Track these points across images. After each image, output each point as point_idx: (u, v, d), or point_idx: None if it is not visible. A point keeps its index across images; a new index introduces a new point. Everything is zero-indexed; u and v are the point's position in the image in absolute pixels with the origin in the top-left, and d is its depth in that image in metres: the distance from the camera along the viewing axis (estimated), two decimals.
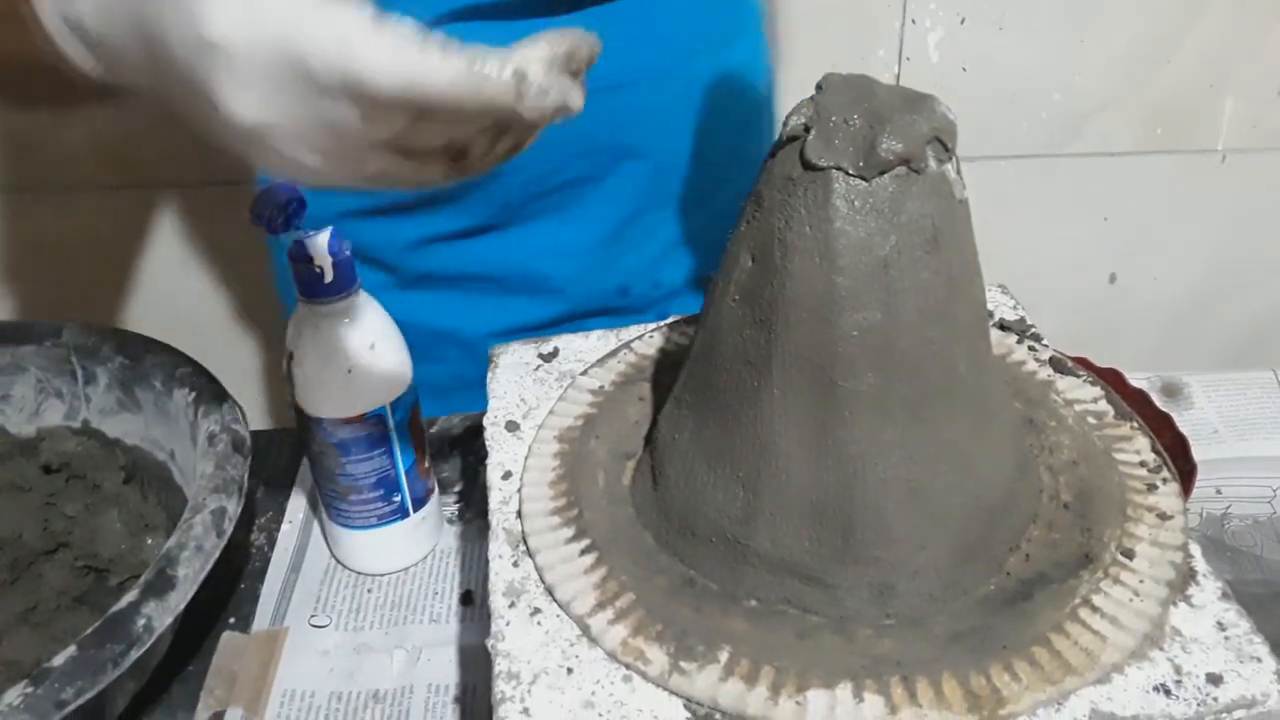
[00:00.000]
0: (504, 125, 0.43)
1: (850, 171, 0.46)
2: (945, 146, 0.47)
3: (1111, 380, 0.81)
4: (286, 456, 0.84)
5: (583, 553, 0.53)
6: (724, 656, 0.47)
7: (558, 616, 0.50)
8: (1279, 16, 1.37)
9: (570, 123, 0.80)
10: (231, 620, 0.71)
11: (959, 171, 0.48)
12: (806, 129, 0.47)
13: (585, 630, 0.49)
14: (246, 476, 0.65)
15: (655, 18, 0.77)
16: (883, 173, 0.46)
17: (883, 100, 0.47)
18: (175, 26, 0.39)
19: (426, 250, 0.85)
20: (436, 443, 0.82)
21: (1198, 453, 0.76)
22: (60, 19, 0.43)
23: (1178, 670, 0.46)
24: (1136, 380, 0.84)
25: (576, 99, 0.40)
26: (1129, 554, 0.51)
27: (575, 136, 0.77)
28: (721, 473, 0.52)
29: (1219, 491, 0.80)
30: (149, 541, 0.73)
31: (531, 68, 0.38)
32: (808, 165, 0.47)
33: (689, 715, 0.46)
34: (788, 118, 0.48)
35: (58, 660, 0.53)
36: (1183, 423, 0.78)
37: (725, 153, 0.86)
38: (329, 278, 0.62)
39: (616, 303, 0.89)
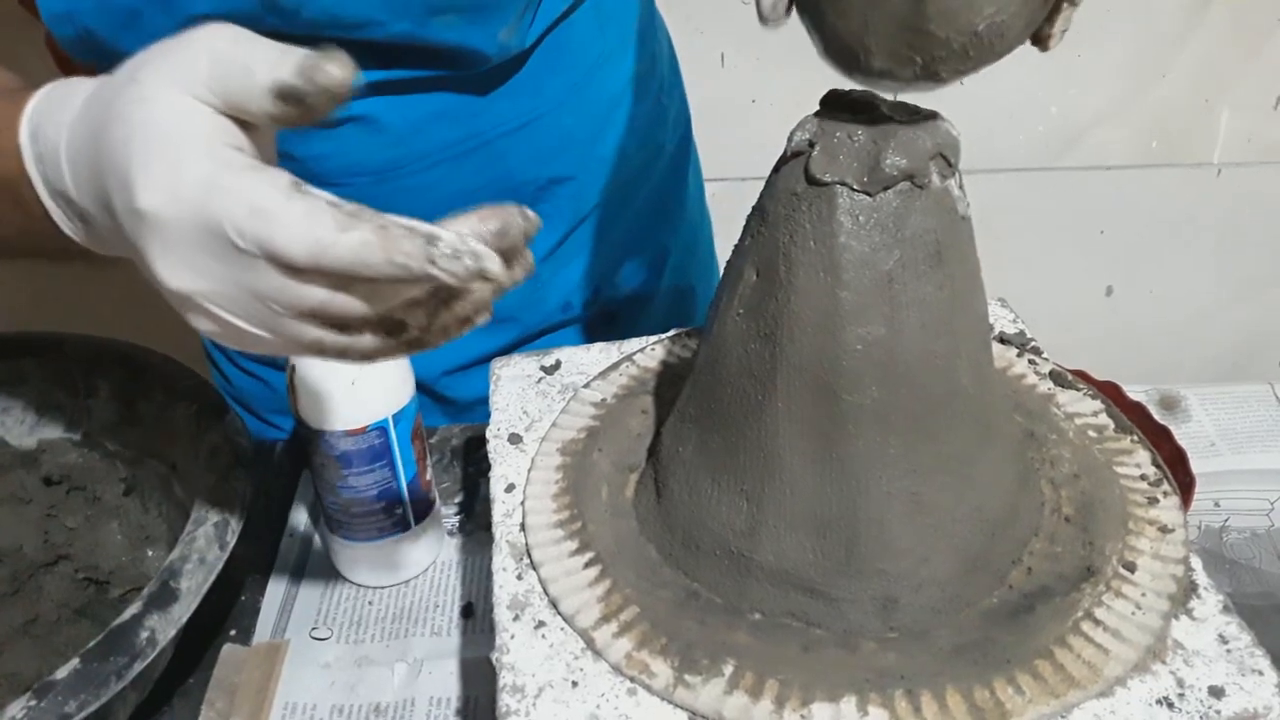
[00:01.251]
0: (442, 297, 0.43)
1: (854, 187, 0.47)
2: (949, 162, 0.47)
3: (1110, 393, 0.81)
4: (288, 468, 0.84)
5: (587, 565, 0.53)
6: (728, 670, 0.47)
7: (562, 630, 0.50)
8: (1273, 31, 1.38)
9: (495, 161, 0.80)
10: (232, 632, 0.71)
11: (962, 187, 0.49)
12: (811, 144, 0.48)
13: (590, 643, 0.49)
14: (249, 489, 0.65)
15: (560, 45, 0.78)
16: (887, 188, 0.47)
17: (887, 116, 0.48)
18: (116, 196, 0.41)
19: None
20: (436, 454, 0.82)
21: (1196, 466, 0.76)
22: (49, 195, 0.45)
23: (1180, 683, 0.46)
24: (1134, 393, 0.84)
25: (492, 264, 0.39)
26: (1131, 567, 0.52)
27: (502, 175, 0.79)
28: (725, 486, 0.52)
29: (1217, 504, 0.80)
30: (150, 554, 0.73)
31: (444, 234, 0.38)
32: (812, 180, 0.47)
33: None
34: (792, 133, 0.49)
35: (61, 673, 0.53)
36: (1180, 436, 0.79)
37: (636, 153, 0.88)
38: None
39: (561, 318, 0.89)
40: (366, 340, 0.43)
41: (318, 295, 0.40)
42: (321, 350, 0.43)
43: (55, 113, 0.44)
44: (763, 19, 0.46)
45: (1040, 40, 0.45)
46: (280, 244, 0.38)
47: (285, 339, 0.42)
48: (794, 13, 0.46)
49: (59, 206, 0.45)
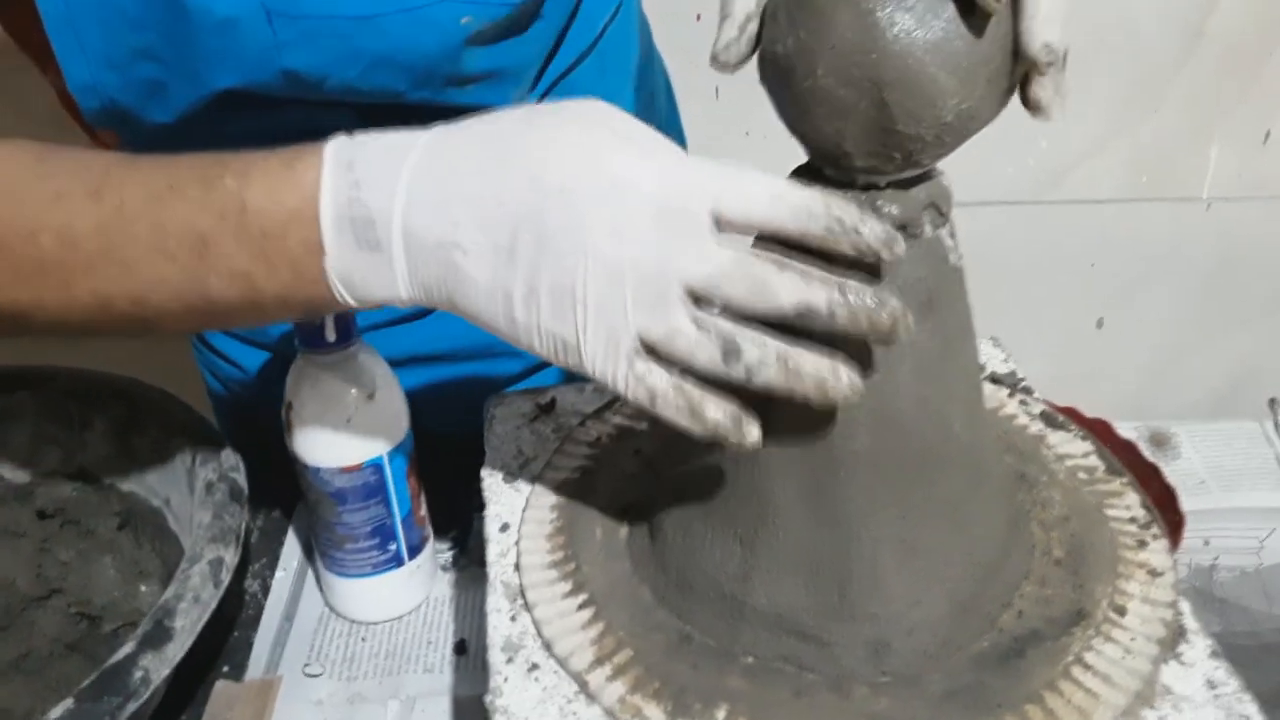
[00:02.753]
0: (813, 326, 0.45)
1: None
2: (940, 212, 0.48)
3: (1100, 430, 0.81)
4: (282, 503, 0.84)
5: (580, 607, 0.53)
6: (721, 714, 0.48)
7: (555, 672, 0.50)
8: (1262, 67, 1.40)
9: None
10: (225, 669, 0.71)
11: (953, 235, 0.49)
12: None
13: (583, 686, 0.49)
14: (244, 526, 0.65)
15: (565, 93, 0.79)
16: None
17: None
18: (577, 172, 0.45)
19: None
20: (430, 487, 0.83)
21: (1185, 503, 0.76)
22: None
23: None
24: (1125, 430, 0.85)
25: (900, 248, 0.44)
26: (1120, 611, 0.52)
27: None
28: (719, 529, 0.52)
29: (1207, 543, 0.80)
30: (143, 589, 0.73)
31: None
32: None
33: None
34: (792, 174, 0.49)
35: (55, 713, 0.53)
36: (1170, 473, 0.79)
37: None
38: (329, 330, 0.63)
39: None
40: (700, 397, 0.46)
41: (721, 262, 0.44)
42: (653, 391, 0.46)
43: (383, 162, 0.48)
44: (714, 59, 0.47)
45: (1029, 107, 0.46)
46: (744, 186, 0.44)
47: (635, 372, 0.46)
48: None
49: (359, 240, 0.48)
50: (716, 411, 0.46)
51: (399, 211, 0.47)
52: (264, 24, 0.61)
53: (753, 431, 0.46)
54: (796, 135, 0.47)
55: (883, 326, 0.43)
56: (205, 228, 0.49)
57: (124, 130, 0.67)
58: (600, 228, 0.44)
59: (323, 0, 0.61)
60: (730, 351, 0.44)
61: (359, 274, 0.49)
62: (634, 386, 0.46)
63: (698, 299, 0.45)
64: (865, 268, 0.45)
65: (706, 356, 0.45)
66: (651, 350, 0.46)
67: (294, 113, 0.67)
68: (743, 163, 0.45)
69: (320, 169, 0.48)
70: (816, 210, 0.44)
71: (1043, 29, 0.43)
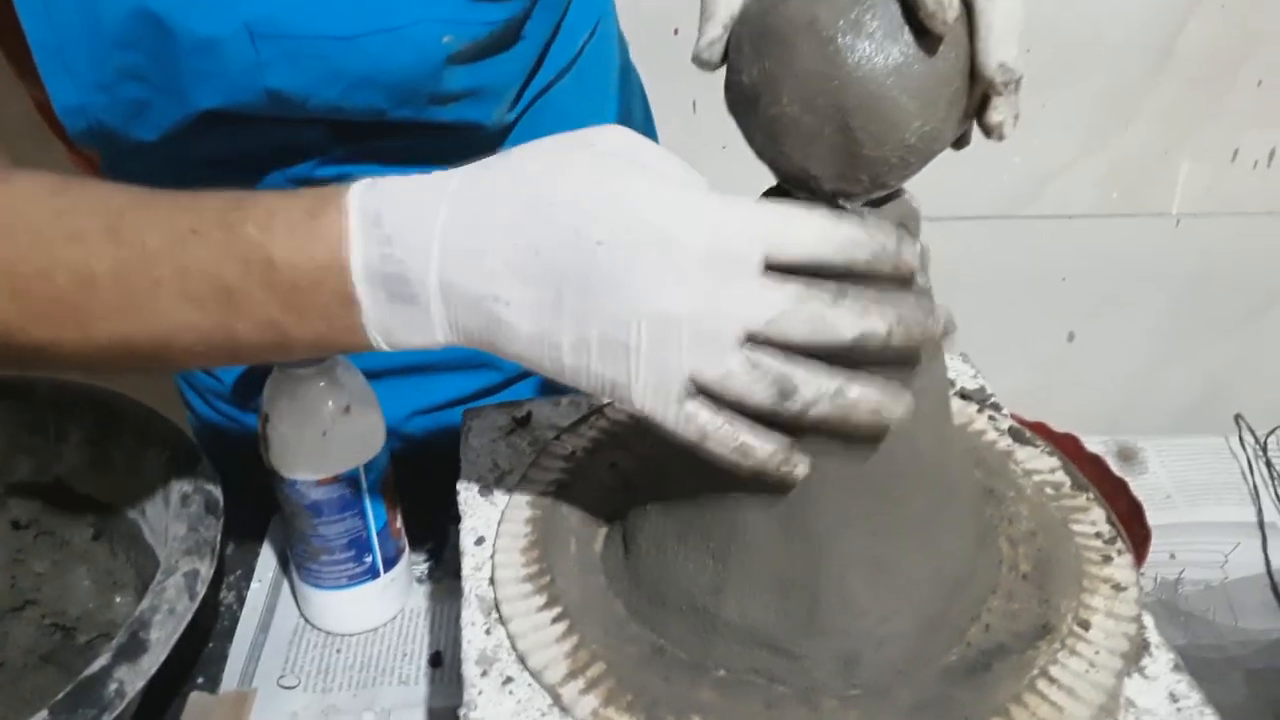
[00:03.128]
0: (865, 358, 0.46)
1: None
2: (909, 233, 0.49)
3: (1068, 445, 0.83)
4: (258, 514, 0.84)
5: (554, 621, 0.54)
6: None
7: (529, 685, 0.51)
8: (1231, 86, 1.42)
9: None
10: (199, 680, 0.71)
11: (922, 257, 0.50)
12: None
13: (557, 700, 0.50)
14: (219, 538, 0.65)
15: (545, 109, 0.80)
16: None
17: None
18: (619, 223, 0.45)
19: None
20: (406, 499, 0.83)
21: (1152, 518, 0.78)
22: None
23: None
24: (1093, 445, 0.86)
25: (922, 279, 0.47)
26: (1085, 625, 0.53)
27: None
28: (692, 543, 0.53)
29: (1173, 556, 0.82)
30: (117, 600, 0.73)
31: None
32: None
33: None
34: (765, 194, 0.50)
35: None
36: (1137, 488, 0.81)
37: None
38: None
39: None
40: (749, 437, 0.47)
41: (778, 303, 0.44)
42: (704, 432, 0.47)
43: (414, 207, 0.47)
44: (696, 58, 0.48)
45: (988, 132, 0.47)
46: (792, 227, 0.44)
47: (682, 414, 0.46)
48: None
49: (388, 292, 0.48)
50: (766, 447, 0.46)
51: (435, 268, 0.47)
52: (247, 45, 0.61)
53: (801, 464, 0.47)
54: (765, 161, 0.48)
55: (935, 333, 0.45)
56: (231, 277, 0.48)
57: (106, 147, 0.67)
58: (649, 279, 0.44)
59: (305, 21, 0.62)
60: (786, 391, 0.45)
61: (395, 324, 0.48)
62: (684, 425, 0.47)
63: (756, 341, 0.45)
64: (894, 280, 0.46)
65: (762, 396, 0.45)
66: (703, 390, 0.46)
67: (277, 129, 0.68)
68: (788, 203, 0.46)
69: (345, 220, 0.47)
70: (861, 240, 0.44)
71: (997, 49, 0.44)
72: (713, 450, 0.47)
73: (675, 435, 0.47)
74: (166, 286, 0.49)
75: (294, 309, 0.49)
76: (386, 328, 0.49)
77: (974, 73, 0.45)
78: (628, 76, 0.92)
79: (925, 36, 0.43)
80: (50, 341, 0.52)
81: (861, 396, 0.45)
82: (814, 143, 0.45)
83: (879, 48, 0.43)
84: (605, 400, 0.47)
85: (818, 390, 0.45)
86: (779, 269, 0.45)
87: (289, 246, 0.48)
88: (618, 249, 0.44)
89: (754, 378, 0.45)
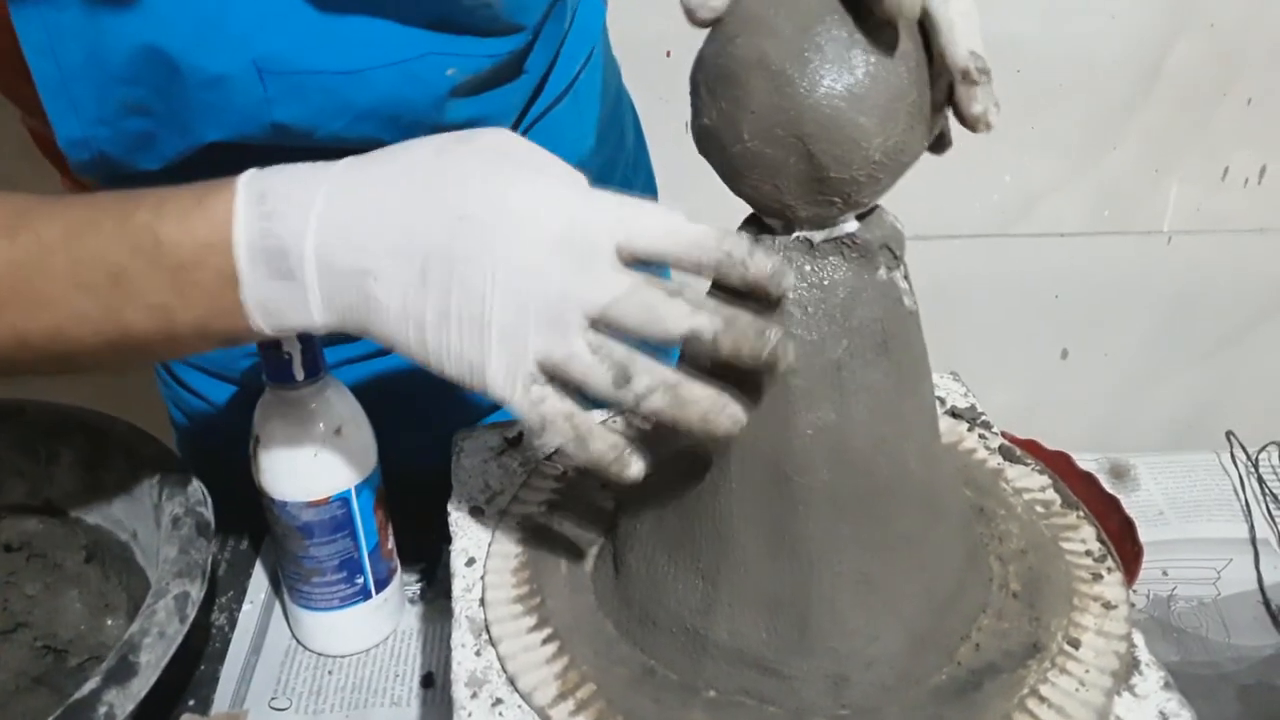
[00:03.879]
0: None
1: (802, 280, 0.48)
2: (894, 254, 0.49)
3: (1060, 463, 0.83)
4: (249, 536, 0.84)
5: (544, 642, 0.54)
6: None
7: (519, 707, 0.51)
8: (1220, 105, 1.43)
9: None
10: (191, 702, 0.70)
11: (907, 278, 0.51)
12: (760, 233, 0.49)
13: None
14: (210, 560, 0.65)
15: (540, 133, 0.80)
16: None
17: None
18: (477, 203, 0.47)
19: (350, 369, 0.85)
20: (397, 520, 0.83)
21: (1144, 534, 0.78)
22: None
23: None
24: (1085, 462, 0.86)
25: (788, 281, 0.47)
26: (1075, 643, 0.53)
27: None
28: (682, 564, 0.53)
29: (1165, 573, 0.82)
30: (109, 622, 0.73)
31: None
32: None
33: None
34: (742, 224, 0.51)
35: None
36: (1130, 504, 0.81)
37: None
38: (297, 364, 0.63)
39: None
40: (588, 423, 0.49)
41: (617, 288, 0.46)
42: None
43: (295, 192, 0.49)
44: (687, 9, 0.47)
45: (974, 125, 0.46)
46: (643, 219, 0.47)
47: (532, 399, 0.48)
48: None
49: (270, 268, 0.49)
50: (601, 443, 0.48)
51: (311, 241, 0.48)
52: (255, 80, 0.62)
53: (634, 465, 0.49)
54: (741, 197, 0.49)
55: (759, 354, 0.45)
56: (120, 261, 0.50)
57: (108, 176, 0.68)
58: (507, 257, 0.47)
59: (312, 56, 0.62)
60: (622, 377, 0.47)
61: (274, 303, 0.50)
62: (529, 410, 0.49)
63: (598, 326, 0.47)
64: (766, 301, 0.47)
65: (599, 381, 0.47)
66: (553, 377, 0.48)
67: (279, 157, 0.68)
68: (644, 200, 0.48)
69: (233, 201, 0.49)
70: (708, 244, 0.46)
71: (964, 39, 0.45)
72: (551, 439, 0.49)
73: (523, 421, 0.49)
74: (60, 276, 0.51)
75: (179, 289, 0.50)
76: (266, 307, 0.50)
77: (935, 78, 0.46)
78: (620, 100, 0.93)
79: (875, 52, 0.44)
80: None
81: (693, 398, 0.47)
82: (780, 174, 0.46)
83: (829, 73, 0.44)
84: (466, 388, 0.49)
85: (653, 380, 0.47)
86: (636, 261, 0.47)
87: (176, 227, 0.50)
88: (478, 224, 0.47)
89: (596, 359, 0.47)
